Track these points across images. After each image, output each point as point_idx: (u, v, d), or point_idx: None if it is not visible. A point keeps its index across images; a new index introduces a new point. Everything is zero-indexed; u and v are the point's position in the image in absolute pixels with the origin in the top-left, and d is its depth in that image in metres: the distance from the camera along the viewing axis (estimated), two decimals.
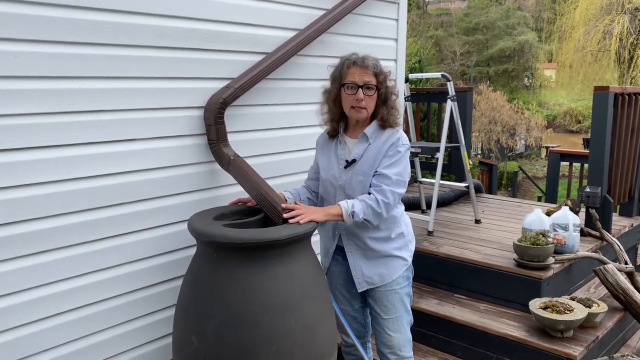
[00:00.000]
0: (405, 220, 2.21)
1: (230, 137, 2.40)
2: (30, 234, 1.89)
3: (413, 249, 2.24)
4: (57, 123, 1.91)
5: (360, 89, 2.02)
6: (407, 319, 2.23)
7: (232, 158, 2.32)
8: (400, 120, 2.12)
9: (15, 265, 1.87)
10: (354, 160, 2.09)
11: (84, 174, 2.00)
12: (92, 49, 1.97)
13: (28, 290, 1.91)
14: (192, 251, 2.11)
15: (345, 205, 1.99)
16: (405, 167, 2.06)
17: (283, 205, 2.01)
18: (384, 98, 2.07)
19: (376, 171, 2.04)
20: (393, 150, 2.05)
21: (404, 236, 2.18)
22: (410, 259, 2.20)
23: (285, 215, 1.95)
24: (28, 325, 1.93)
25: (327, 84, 2.15)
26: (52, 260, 1.96)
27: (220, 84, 2.38)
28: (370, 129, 2.09)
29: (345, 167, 2.10)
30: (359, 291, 2.19)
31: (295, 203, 2.09)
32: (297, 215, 1.94)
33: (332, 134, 2.19)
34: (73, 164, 1.97)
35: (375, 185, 2.03)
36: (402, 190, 2.05)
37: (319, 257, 2.24)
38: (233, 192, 2.45)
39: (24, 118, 1.82)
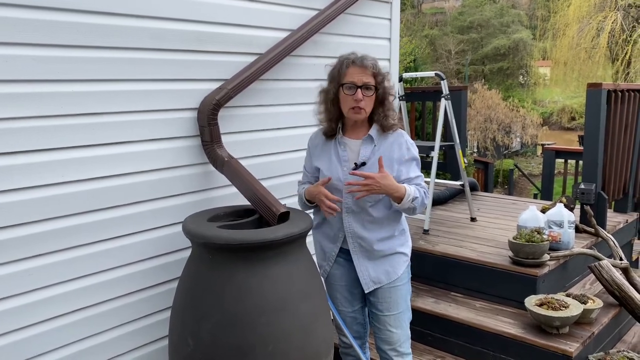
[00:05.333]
0: (404, 216, 2.23)
1: (224, 139, 2.40)
2: (24, 237, 1.88)
3: (411, 245, 2.27)
4: (50, 126, 1.90)
5: (359, 90, 1.99)
6: (407, 315, 2.24)
7: (226, 159, 2.32)
8: (397, 120, 2.13)
9: (10, 269, 1.86)
10: (363, 163, 2.07)
11: (77, 177, 2.00)
12: (85, 51, 1.96)
13: (25, 294, 1.91)
14: (187, 253, 2.11)
15: (409, 189, 2.01)
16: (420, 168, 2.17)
17: (350, 171, 2.04)
18: (381, 99, 2.06)
19: (407, 177, 2.08)
20: (409, 155, 2.09)
21: (405, 232, 2.22)
22: (409, 254, 2.23)
23: (349, 189, 1.98)
24: (28, 328, 1.93)
25: (325, 83, 2.12)
26: (47, 263, 1.95)
27: (214, 85, 2.38)
28: (374, 130, 2.09)
29: (354, 169, 2.07)
30: (366, 292, 2.19)
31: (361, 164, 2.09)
32: (363, 186, 1.95)
33: (330, 135, 2.16)
34: (66, 167, 1.96)
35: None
36: None
37: (314, 257, 2.24)
38: (227, 193, 2.46)
39: (16, 122, 1.82)
